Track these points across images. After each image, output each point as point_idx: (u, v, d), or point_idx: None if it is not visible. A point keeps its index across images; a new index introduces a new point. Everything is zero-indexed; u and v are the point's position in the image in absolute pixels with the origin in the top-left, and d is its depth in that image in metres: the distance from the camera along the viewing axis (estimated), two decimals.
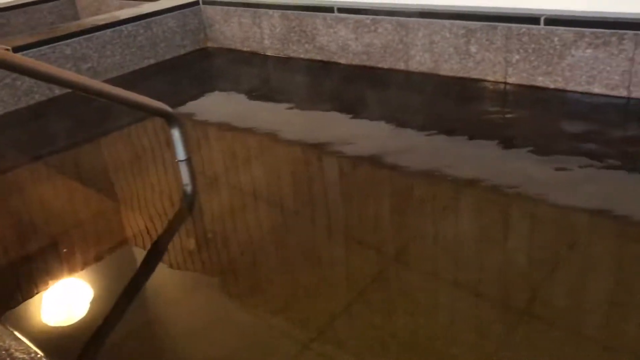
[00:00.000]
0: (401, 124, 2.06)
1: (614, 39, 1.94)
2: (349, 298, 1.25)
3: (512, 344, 1.09)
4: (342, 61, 2.73)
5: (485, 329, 1.14)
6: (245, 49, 3.11)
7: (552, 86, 2.14)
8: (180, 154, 1.90)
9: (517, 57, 2.19)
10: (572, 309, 1.17)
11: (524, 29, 2.13)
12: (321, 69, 2.74)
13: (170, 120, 1.86)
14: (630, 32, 1.90)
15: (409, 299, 1.24)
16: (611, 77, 1.99)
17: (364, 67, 2.65)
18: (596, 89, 2.05)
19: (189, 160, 1.91)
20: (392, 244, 1.43)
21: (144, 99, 1.82)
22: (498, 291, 1.24)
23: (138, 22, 2.91)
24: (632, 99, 1.97)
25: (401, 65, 2.54)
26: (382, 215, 1.54)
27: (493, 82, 2.28)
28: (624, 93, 1.99)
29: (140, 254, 1.51)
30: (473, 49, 2.29)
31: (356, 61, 2.68)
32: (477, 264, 1.32)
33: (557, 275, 1.26)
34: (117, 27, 2.84)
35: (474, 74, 2.33)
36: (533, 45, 2.13)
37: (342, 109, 2.25)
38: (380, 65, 2.61)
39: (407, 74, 2.50)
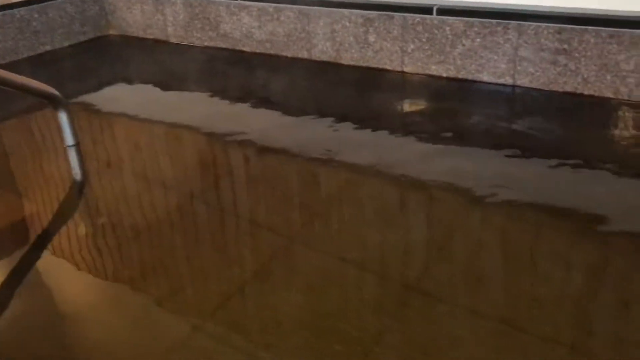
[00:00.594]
0: (298, 112, 2.08)
1: (499, 28, 2.03)
2: (243, 279, 1.24)
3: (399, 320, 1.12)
4: (247, 49, 2.72)
5: (366, 308, 1.16)
6: (148, 37, 3.03)
7: (444, 75, 2.22)
8: (69, 139, 1.84)
9: (412, 46, 2.25)
10: (446, 283, 1.22)
11: (418, 19, 2.19)
12: (224, 56, 2.71)
13: (57, 103, 1.79)
14: (514, 22, 2.00)
15: (302, 279, 1.25)
16: (498, 66, 2.09)
17: (269, 55, 2.65)
18: (485, 77, 2.14)
19: (77, 146, 1.84)
20: (284, 226, 1.43)
21: (29, 81, 1.74)
22: (380, 268, 1.27)
23: (32, 6, 2.78)
24: (517, 86, 2.07)
25: (304, 54, 2.55)
26: (274, 199, 1.54)
27: (391, 71, 2.34)
28: (509, 81, 2.09)
29: (23, 240, 1.45)
30: (372, 38, 2.33)
31: (260, 49, 2.67)
32: (362, 243, 1.35)
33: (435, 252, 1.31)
34: (9, 11, 2.70)
35: (373, 63, 2.37)
36: (427, 35, 2.20)
37: (243, 99, 2.24)
38: (284, 54, 2.61)
39: (310, 63, 2.52)
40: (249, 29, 2.66)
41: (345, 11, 2.36)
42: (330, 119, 1.97)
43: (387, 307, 1.15)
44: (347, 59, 2.44)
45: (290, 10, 2.50)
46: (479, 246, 1.32)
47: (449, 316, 1.12)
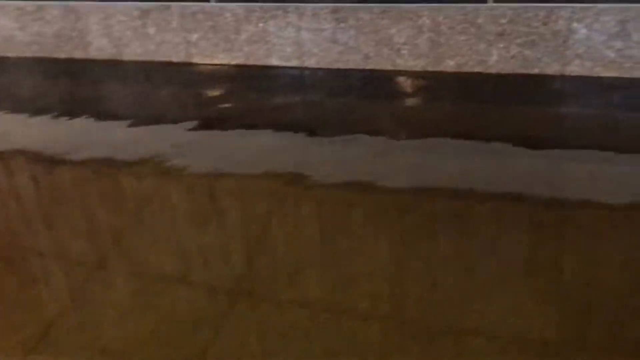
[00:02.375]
0: (69, 114, 1.90)
1: (279, 12, 2.03)
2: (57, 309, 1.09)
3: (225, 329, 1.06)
4: (10, 54, 2.41)
5: (197, 318, 1.09)
6: None
7: (234, 62, 2.17)
8: None
9: (196, 36, 2.16)
10: (276, 278, 1.18)
11: (196, 7, 2.11)
12: None
13: None
14: (292, 5, 2.00)
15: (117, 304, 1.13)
16: (284, 49, 2.09)
17: (39, 59, 2.38)
18: (274, 62, 2.13)
19: None
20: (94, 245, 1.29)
21: None
22: (207, 276, 1.20)
23: None
24: (306, 68, 2.09)
25: (80, 54, 2.33)
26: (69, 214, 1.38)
27: (178, 63, 2.23)
28: (297, 63, 2.10)
29: None
30: (151, 30, 2.20)
31: (27, 53, 2.39)
32: (181, 252, 1.26)
33: (261, 248, 1.27)
34: None
35: (158, 57, 2.25)
36: (209, 23, 2.12)
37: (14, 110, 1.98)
38: (56, 56, 2.36)
39: (88, 63, 2.32)
40: (9, 32, 2.36)
41: (119, 4, 2.19)
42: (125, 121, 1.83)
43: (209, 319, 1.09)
44: (129, 54, 2.28)
45: (54, 7, 2.26)
46: (289, 235, 1.30)
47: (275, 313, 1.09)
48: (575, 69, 1.85)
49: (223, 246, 1.28)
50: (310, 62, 2.08)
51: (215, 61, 2.19)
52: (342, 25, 1.98)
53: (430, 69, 1.96)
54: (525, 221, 1.29)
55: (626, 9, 1.74)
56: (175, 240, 1.31)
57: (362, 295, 1.12)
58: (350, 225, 1.32)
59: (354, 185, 1.44)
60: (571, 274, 1.14)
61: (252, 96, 1.98)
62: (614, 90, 1.79)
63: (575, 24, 1.79)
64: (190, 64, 2.22)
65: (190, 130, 1.77)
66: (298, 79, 2.07)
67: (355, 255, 1.22)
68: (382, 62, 2.00)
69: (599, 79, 1.84)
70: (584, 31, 1.80)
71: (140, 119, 1.87)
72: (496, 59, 1.90)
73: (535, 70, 1.88)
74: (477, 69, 1.93)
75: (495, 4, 1.83)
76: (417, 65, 1.97)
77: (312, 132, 1.72)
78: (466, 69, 1.94)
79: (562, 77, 1.86)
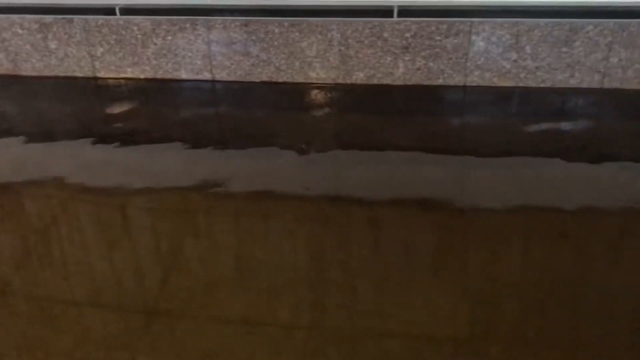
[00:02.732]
0: None
1: (188, 25, 2.01)
2: None
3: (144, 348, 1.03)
4: None
5: (112, 342, 1.05)
6: None
7: (142, 76, 2.12)
8: None
9: (101, 49, 2.10)
10: (197, 296, 1.16)
11: (101, 21, 2.05)
12: None
13: None
14: (201, 18, 1.99)
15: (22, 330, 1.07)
16: (194, 62, 2.07)
17: None
18: (184, 75, 2.10)
19: None
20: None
21: None
22: (120, 298, 1.16)
23: None
24: (217, 81, 2.08)
25: None
26: None
27: (83, 78, 2.15)
28: (208, 76, 2.09)
29: None
30: (53, 44, 2.11)
31: None
32: (92, 274, 1.22)
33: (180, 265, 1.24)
34: None
35: (60, 72, 2.16)
36: (115, 37, 2.07)
37: None
38: None
39: None
40: None
41: (15, 17, 2.08)
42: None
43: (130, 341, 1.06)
44: (27, 69, 2.17)
45: None
46: (204, 250, 1.29)
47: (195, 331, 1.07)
48: (475, 79, 1.96)
49: (136, 265, 1.25)
50: (222, 75, 2.07)
51: (122, 75, 2.13)
52: (253, 38, 1.99)
53: (341, 81, 2.01)
54: (434, 226, 1.35)
55: (519, 23, 1.86)
56: (85, 262, 1.27)
57: (281, 306, 1.12)
58: (266, 236, 1.32)
59: (267, 196, 1.45)
60: (478, 273, 1.20)
61: (160, 110, 1.95)
62: (511, 99, 1.92)
63: (474, 37, 1.90)
64: (95, 79, 2.15)
65: (94, 146, 1.72)
66: (209, 92, 2.05)
67: (273, 266, 1.23)
68: (294, 75, 2.03)
69: (497, 88, 1.96)
70: (482, 44, 1.91)
71: (40, 136, 1.79)
72: (402, 71, 1.98)
73: (439, 81, 1.98)
74: (385, 81, 2.00)
75: (400, 19, 1.90)
76: (329, 77, 2.01)
77: (223, 145, 1.72)
78: (375, 81, 2.00)
79: (464, 88, 1.97)
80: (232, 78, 2.07)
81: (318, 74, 2.02)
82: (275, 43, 1.99)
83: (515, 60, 1.92)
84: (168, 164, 1.62)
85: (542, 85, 1.95)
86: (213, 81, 2.09)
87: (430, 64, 1.95)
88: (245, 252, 1.27)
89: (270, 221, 1.37)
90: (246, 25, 1.98)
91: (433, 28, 1.90)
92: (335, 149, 1.68)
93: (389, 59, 1.96)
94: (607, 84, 1.92)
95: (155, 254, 1.28)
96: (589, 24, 1.84)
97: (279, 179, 1.52)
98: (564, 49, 1.89)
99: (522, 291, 1.15)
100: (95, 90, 2.10)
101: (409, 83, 1.99)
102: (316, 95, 1.99)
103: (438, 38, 1.91)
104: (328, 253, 1.27)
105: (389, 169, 1.57)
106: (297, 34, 1.96)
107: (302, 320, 1.10)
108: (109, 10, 2.04)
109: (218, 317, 1.11)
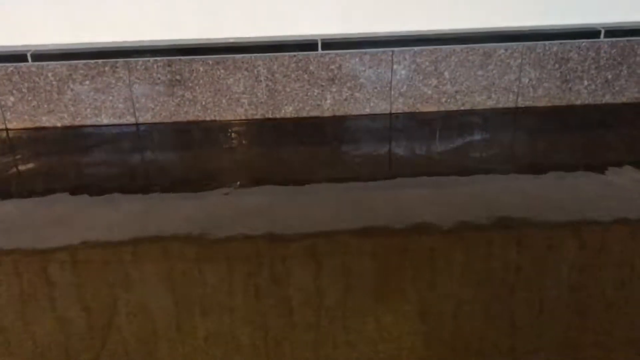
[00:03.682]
0: None
1: (107, 68, 1.94)
2: None
3: None
4: None
5: None
6: None
7: (59, 124, 2.02)
8: None
9: (12, 99, 1.98)
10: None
11: (12, 68, 1.94)
12: None
13: None
14: (122, 60, 1.94)
15: None
16: (116, 106, 2.00)
17: None
18: (105, 120, 2.02)
19: None
20: None
21: None
22: None
23: None
24: (141, 124, 2.02)
25: None
26: None
27: None
28: (131, 120, 2.02)
29: None
30: None
31: None
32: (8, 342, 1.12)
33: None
34: None
35: None
36: (27, 84, 1.96)
37: None
38: None
39: None
40: None
41: None
42: None
43: None
44: None
45: None
46: (132, 303, 1.23)
47: None
48: (400, 106, 2.03)
49: (53, 329, 1.17)
50: (146, 117, 2.01)
51: (37, 125, 2.02)
52: (177, 77, 1.95)
53: (270, 116, 2.01)
54: (368, 251, 1.36)
55: (437, 50, 1.95)
56: None
57: (225, 350, 1.08)
58: (197, 280, 1.28)
59: (201, 239, 1.41)
60: (414, 294, 1.22)
61: (77, 159, 1.87)
62: (434, 123, 1.99)
63: (395, 66, 1.97)
64: (6, 130, 2.02)
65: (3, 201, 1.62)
66: (132, 136, 1.99)
67: (211, 310, 1.18)
68: (222, 112, 2.00)
69: (422, 114, 2.03)
70: (403, 72, 1.98)
71: None
72: (330, 103, 2.01)
73: (367, 110, 2.02)
74: (314, 113, 2.02)
75: (324, 52, 1.94)
76: (258, 113, 2.01)
77: (148, 190, 1.67)
78: (304, 114, 2.02)
79: (390, 115, 2.02)
80: (157, 120, 2.02)
81: (246, 110, 2.00)
82: (201, 81, 1.96)
83: (436, 86, 2.01)
84: (87, 214, 1.54)
85: (462, 108, 2.04)
86: (137, 124, 2.02)
87: (357, 94, 2.00)
88: (182, 299, 1.22)
89: (204, 264, 1.33)
90: (169, 65, 1.94)
91: (357, 59, 1.95)
92: (269, 184, 1.67)
93: (316, 91, 1.99)
94: (521, 102, 2.05)
95: (86, 310, 1.20)
96: (501, 47, 1.96)
97: (211, 220, 1.49)
98: (480, 72, 1.99)
99: (464, 305, 1.18)
100: (3, 142, 1.97)
101: (337, 114, 2.02)
102: (245, 131, 1.97)
103: (362, 69, 1.97)
104: (269, 290, 1.24)
105: (326, 200, 1.57)
106: (223, 71, 1.95)
107: None
108: (20, 57, 1.94)
109: None
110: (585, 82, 2.04)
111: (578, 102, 2.07)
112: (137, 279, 1.29)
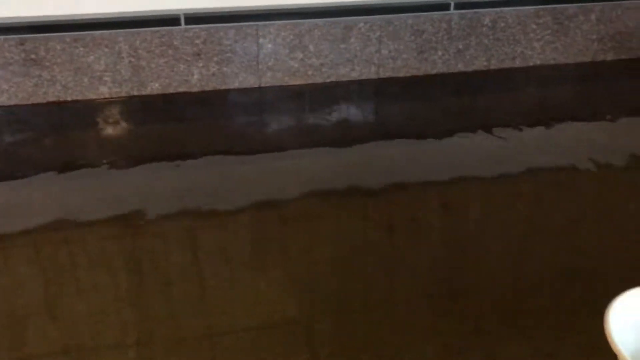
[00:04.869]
0: None
1: None
2: None
3: None
4: None
5: None
6: None
7: None
8: None
9: None
10: None
11: None
12: None
13: None
14: None
15: None
16: None
17: None
18: None
19: None
20: None
21: None
22: None
23: None
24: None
25: None
26: None
27: None
28: None
29: None
30: None
31: None
32: None
33: None
34: None
35: None
36: None
37: None
38: None
39: None
40: None
41: None
42: None
43: None
44: None
45: None
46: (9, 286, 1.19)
47: None
48: (269, 80, 2.06)
49: None
50: (1, 100, 1.90)
51: None
52: (33, 56, 1.85)
53: (135, 93, 1.97)
54: (247, 223, 1.40)
55: (300, 24, 2.00)
56: None
57: (108, 327, 1.08)
58: (73, 262, 1.26)
59: (69, 223, 1.38)
60: (294, 259, 1.28)
61: None
62: (302, 96, 2.05)
63: (261, 40, 1.99)
64: None
65: None
66: None
67: (89, 290, 1.18)
68: (84, 92, 1.93)
69: (290, 87, 2.08)
70: (270, 46, 2.01)
71: None
72: (198, 78, 2.00)
73: (236, 85, 2.04)
74: (181, 89, 2.00)
75: (188, 26, 1.92)
76: (122, 91, 1.96)
77: (12, 176, 1.60)
78: (171, 90, 2.00)
79: (260, 89, 2.06)
80: (13, 102, 1.91)
81: (110, 88, 1.95)
82: (59, 60, 1.88)
83: (302, 59, 2.06)
84: None
85: (328, 80, 2.11)
86: None
87: (224, 68, 2.01)
88: (54, 281, 1.20)
89: (76, 246, 1.31)
90: (22, 44, 1.84)
91: (222, 34, 1.96)
92: (140, 163, 1.65)
93: (182, 66, 1.97)
94: (382, 73, 2.16)
95: None
96: (360, 21, 2.05)
97: (83, 202, 1.46)
98: (342, 45, 2.07)
99: (340, 269, 1.26)
100: None
101: (206, 89, 2.02)
102: (111, 110, 1.92)
103: (227, 43, 1.97)
104: (144, 267, 1.25)
105: (195, 174, 1.59)
106: (82, 48, 1.88)
107: (131, 336, 1.07)
108: None
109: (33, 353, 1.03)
110: (440, 53, 2.18)
111: (434, 72, 2.21)
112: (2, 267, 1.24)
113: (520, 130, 1.84)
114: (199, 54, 1.97)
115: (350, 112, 1.97)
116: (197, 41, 1.95)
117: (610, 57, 2.36)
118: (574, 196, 1.52)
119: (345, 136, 1.81)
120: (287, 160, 1.67)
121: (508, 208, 1.47)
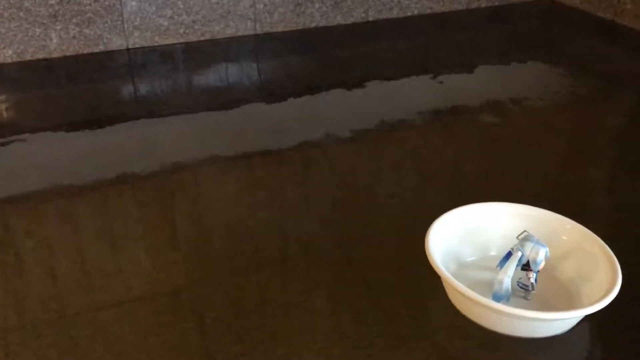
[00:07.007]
0: None
1: None
2: None
3: None
4: None
5: None
6: None
7: None
8: None
9: None
10: None
11: None
12: None
13: None
14: None
15: None
16: None
17: None
18: None
19: None
20: None
21: None
22: None
23: None
24: None
25: None
26: None
27: None
28: None
29: None
30: None
31: None
32: None
33: None
34: None
35: None
36: None
37: None
38: None
39: None
40: None
41: None
42: None
43: None
44: None
45: None
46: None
47: None
48: (137, 40, 1.94)
49: None
50: None
51: None
52: None
53: None
54: (128, 193, 1.32)
55: None
56: None
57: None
58: None
59: None
60: (178, 226, 1.22)
61: None
62: (175, 56, 1.94)
63: None
64: None
65: None
66: None
67: None
68: None
69: (161, 47, 1.96)
70: (134, 3, 1.88)
71: None
72: (57, 42, 1.84)
73: (101, 47, 1.90)
74: (40, 55, 1.84)
75: None
76: None
77: None
78: (28, 56, 1.83)
79: (128, 51, 1.93)
80: None
81: None
82: None
83: (171, 17, 1.94)
84: None
85: (202, 38, 2.02)
86: None
87: (86, 30, 1.86)
88: None
89: None
90: None
91: None
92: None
93: (38, 30, 1.81)
94: (259, 29, 2.08)
95: None
96: None
97: None
98: (215, 0, 1.97)
99: (225, 235, 1.21)
100: None
101: (68, 54, 1.87)
102: None
103: (87, 2, 1.83)
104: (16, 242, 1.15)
105: (62, 148, 1.47)
106: None
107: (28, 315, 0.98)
108: None
109: None
110: (317, 5, 2.13)
111: (312, 25, 2.16)
112: None
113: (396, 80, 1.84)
114: (55, 16, 1.81)
115: (229, 71, 1.89)
116: (52, 2, 1.79)
117: (484, 4, 2.40)
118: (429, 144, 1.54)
119: (225, 97, 1.73)
120: (164, 125, 1.57)
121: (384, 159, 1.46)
